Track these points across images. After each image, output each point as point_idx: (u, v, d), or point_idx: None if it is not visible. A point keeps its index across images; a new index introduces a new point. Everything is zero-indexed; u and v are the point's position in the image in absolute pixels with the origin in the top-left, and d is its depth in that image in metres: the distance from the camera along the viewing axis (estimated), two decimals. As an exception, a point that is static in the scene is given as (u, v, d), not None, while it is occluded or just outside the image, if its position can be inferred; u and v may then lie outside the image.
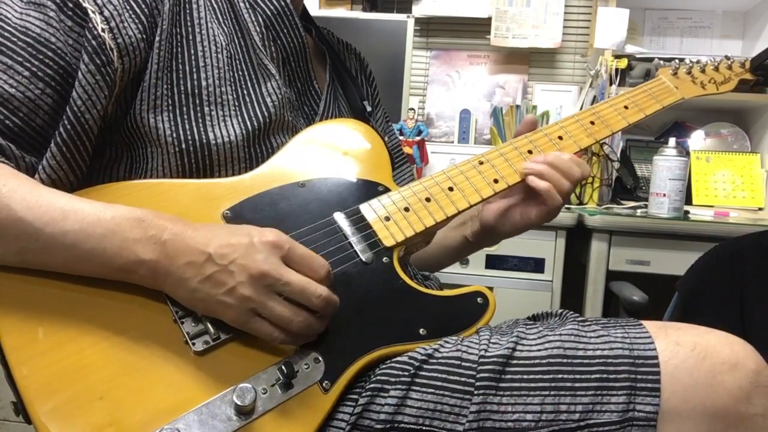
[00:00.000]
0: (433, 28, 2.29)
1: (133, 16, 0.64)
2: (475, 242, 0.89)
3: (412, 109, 2.06)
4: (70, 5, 0.62)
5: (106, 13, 0.62)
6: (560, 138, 0.80)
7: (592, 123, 0.82)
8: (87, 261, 0.55)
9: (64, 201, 0.56)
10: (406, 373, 0.58)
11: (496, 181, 0.76)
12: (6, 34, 0.60)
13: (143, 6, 0.65)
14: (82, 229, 0.55)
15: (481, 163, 0.77)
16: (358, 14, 2.10)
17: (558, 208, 0.78)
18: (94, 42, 0.61)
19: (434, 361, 0.59)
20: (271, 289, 0.56)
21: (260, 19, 0.74)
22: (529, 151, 0.78)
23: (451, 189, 0.74)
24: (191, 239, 0.56)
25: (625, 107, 0.85)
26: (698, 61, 0.93)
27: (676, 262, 1.47)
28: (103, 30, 0.62)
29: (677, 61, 0.93)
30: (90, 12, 0.62)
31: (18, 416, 0.56)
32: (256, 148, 0.69)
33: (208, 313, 0.57)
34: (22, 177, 0.58)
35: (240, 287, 0.55)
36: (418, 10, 2.20)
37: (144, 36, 0.64)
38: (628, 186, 1.91)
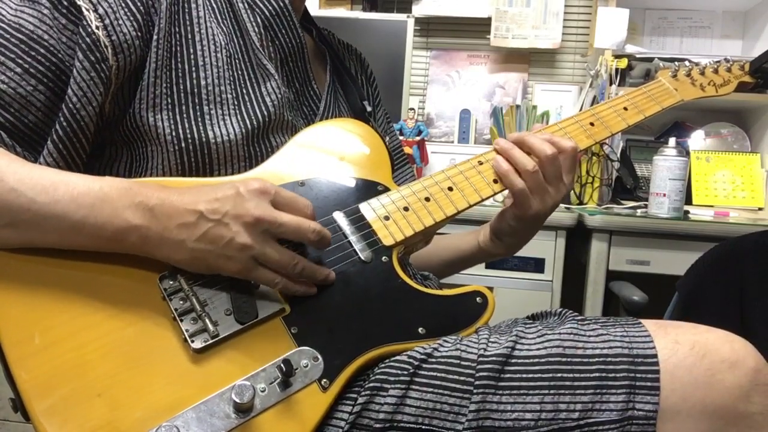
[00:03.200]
0: (433, 28, 2.29)
1: (128, 13, 0.64)
2: (485, 248, 0.89)
3: (412, 109, 2.05)
4: (65, 3, 0.62)
5: (101, 10, 0.62)
6: (560, 138, 0.80)
7: (592, 124, 0.82)
8: (79, 232, 0.56)
9: (54, 173, 0.57)
10: (406, 372, 0.58)
11: (495, 181, 0.76)
12: None
13: (139, 4, 0.65)
14: (73, 199, 0.55)
15: (481, 163, 0.77)
16: (358, 14, 2.10)
17: (521, 192, 0.74)
18: (88, 39, 0.61)
19: (433, 360, 0.59)
20: (268, 233, 0.58)
21: (258, 19, 0.74)
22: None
23: (450, 189, 0.74)
24: (178, 201, 0.57)
25: (625, 108, 0.85)
26: (698, 64, 0.93)
27: (676, 262, 1.47)
28: (97, 27, 0.62)
29: (677, 63, 0.93)
30: (84, 10, 0.62)
31: (16, 413, 0.56)
32: (256, 147, 0.69)
33: (210, 270, 0.58)
34: (12, 155, 0.58)
35: (238, 237, 0.56)
36: (418, 10, 2.20)
37: (139, 34, 0.64)
38: (628, 186, 1.91)
